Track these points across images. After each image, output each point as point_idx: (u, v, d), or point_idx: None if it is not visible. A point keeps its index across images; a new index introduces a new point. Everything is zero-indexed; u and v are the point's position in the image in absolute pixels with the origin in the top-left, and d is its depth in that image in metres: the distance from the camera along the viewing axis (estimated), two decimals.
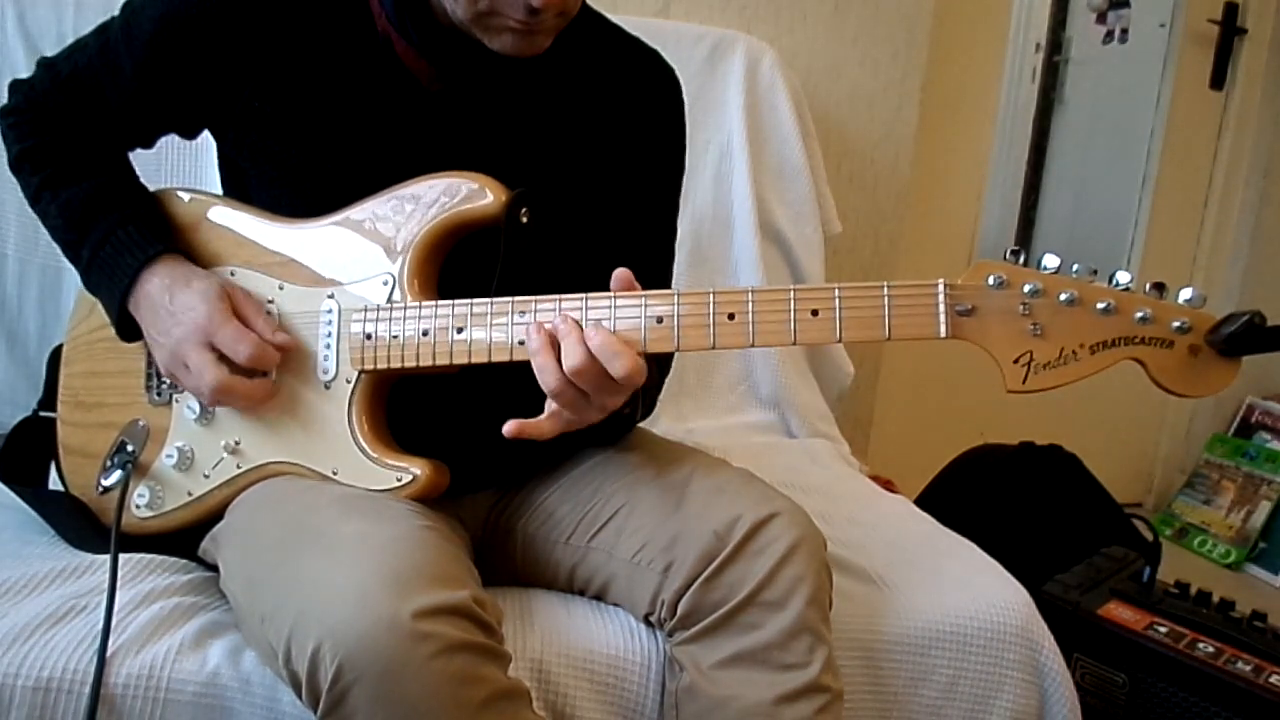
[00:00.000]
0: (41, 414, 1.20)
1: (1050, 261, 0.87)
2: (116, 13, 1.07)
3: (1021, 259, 0.88)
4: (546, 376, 0.90)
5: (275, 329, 1.00)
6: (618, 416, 0.97)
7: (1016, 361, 0.87)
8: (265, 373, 1.00)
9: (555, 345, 0.90)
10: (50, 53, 1.12)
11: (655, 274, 1.14)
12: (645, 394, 1.02)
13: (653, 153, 1.14)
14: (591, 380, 0.89)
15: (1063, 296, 0.86)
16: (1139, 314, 0.85)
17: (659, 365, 1.04)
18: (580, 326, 0.90)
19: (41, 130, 1.08)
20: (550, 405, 0.92)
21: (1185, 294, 0.86)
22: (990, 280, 0.87)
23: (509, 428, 0.92)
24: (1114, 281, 0.87)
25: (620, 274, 0.92)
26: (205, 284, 1.00)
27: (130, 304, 1.02)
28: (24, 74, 1.13)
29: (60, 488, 1.16)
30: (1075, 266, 0.87)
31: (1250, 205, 2.85)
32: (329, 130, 1.03)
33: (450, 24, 0.98)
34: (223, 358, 0.98)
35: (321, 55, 1.02)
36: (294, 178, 1.04)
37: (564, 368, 0.89)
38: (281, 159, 1.04)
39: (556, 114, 1.07)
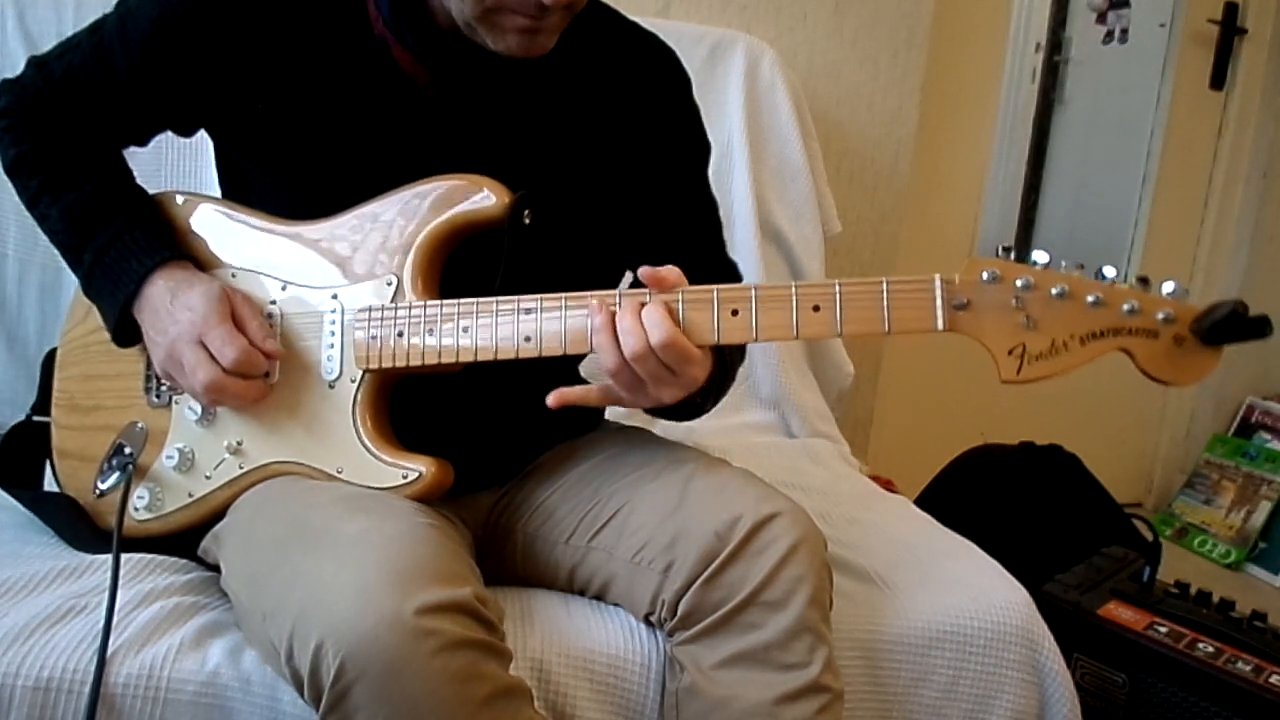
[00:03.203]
0: (35, 418, 1.19)
1: (1040, 257, 0.91)
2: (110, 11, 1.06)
3: (1013, 255, 0.91)
4: (605, 356, 0.92)
5: (267, 336, 1.00)
6: (689, 403, 0.98)
7: (1010, 353, 0.90)
8: (264, 374, 1.01)
9: (614, 325, 0.92)
10: None
11: (709, 248, 1.15)
12: (720, 381, 1.02)
13: (667, 134, 1.12)
14: (649, 366, 0.91)
15: (1054, 290, 0.89)
16: (1126, 306, 0.88)
17: (727, 356, 1.04)
18: (638, 310, 0.91)
19: (36, 133, 1.08)
20: (603, 380, 0.94)
21: (1168, 287, 0.89)
22: (984, 275, 0.90)
23: (551, 398, 0.94)
24: (1100, 276, 0.90)
25: (666, 271, 0.93)
26: (207, 286, 1.00)
27: (134, 308, 1.02)
28: None
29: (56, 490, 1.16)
30: (1063, 262, 0.91)
31: (1250, 205, 2.85)
32: (327, 133, 1.03)
33: (449, 27, 0.98)
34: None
35: (319, 58, 1.02)
36: (295, 180, 1.05)
37: (622, 350, 0.91)
38: (283, 161, 1.04)
39: (555, 113, 1.07)
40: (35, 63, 1.10)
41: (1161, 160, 2.76)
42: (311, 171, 1.04)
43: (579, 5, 0.97)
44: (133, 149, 1.14)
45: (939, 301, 0.90)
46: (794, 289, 0.92)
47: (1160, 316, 0.88)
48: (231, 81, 1.02)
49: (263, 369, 1.00)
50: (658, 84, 1.13)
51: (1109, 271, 0.89)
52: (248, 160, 1.07)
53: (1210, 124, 2.81)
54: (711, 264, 1.14)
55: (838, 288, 0.91)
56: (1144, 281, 0.89)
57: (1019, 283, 0.89)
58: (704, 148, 1.17)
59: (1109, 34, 2.67)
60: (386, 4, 1.00)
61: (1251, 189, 2.84)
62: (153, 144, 1.15)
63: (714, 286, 0.93)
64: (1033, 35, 2.56)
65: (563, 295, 0.95)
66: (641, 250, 1.03)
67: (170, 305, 1.00)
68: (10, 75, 1.11)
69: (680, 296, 0.93)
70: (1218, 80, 2.76)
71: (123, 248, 1.02)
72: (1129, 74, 2.71)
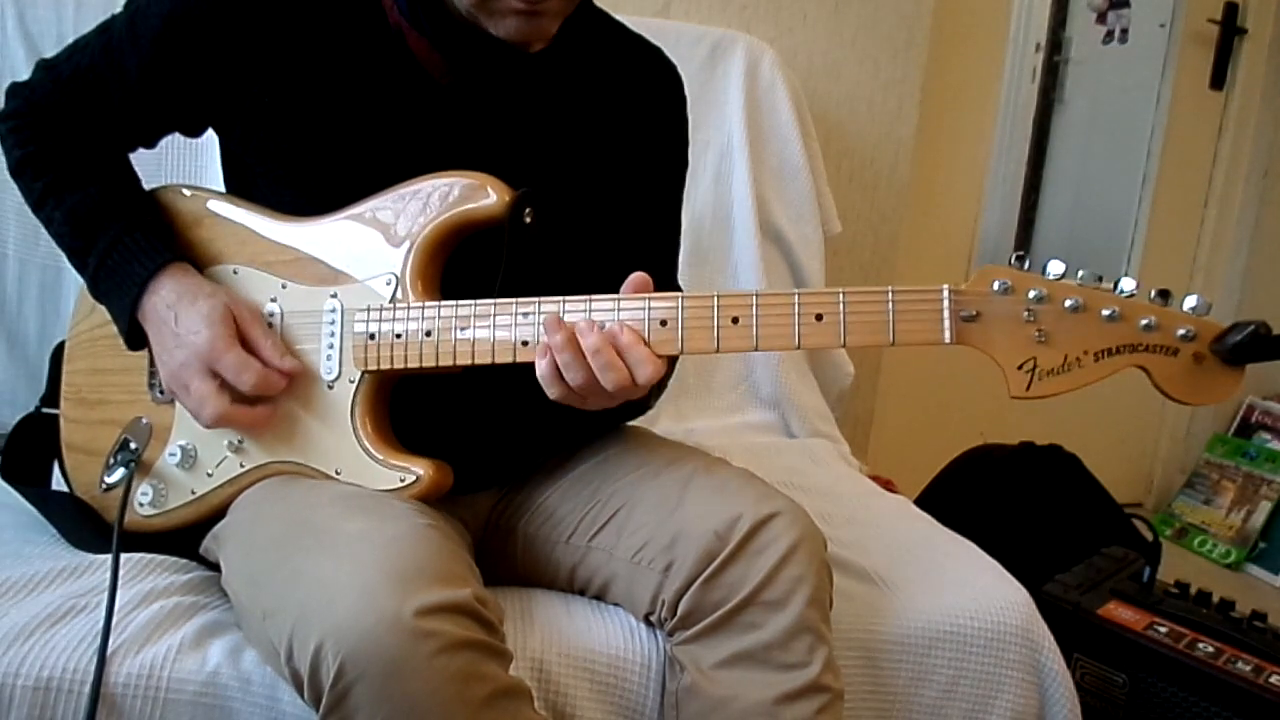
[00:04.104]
0: (44, 410, 1.20)
1: (1055, 268, 0.87)
2: (118, 10, 1.06)
3: (1026, 264, 0.87)
4: (571, 373, 0.91)
5: (283, 353, 0.99)
6: (635, 403, 0.98)
7: (1021, 368, 0.86)
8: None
9: (575, 343, 0.91)
10: (51, 53, 1.11)
11: (662, 269, 1.15)
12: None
13: (656, 149, 1.14)
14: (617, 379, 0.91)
15: (1068, 303, 0.85)
16: (1144, 321, 0.85)
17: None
18: (601, 329, 0.91)
19: (42, 134, 1.07)
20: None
21: (1190, 301, 0.85)
22: (995, 286, 0.87)
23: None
24: (1119, 289, 0.86)
25: (637, 278, 0.93)
26: (210, 304, 0.99)
27: (138, 314, 1.02)
28: (24, 75, 1.11)
29: (64, 487, 1.16)
30: (1080, 273, 0.87)
31: (1250, 205, 2.85)
32: (341, 126, 1.02)
33: (460, 16, 0.98)
34: (225, 384, 0.97)
35: (333, 50, 1.02)
36: (302, 175, 1.04)
37: (593, 368, 0.90)
38: (290, 156, 1.04)
39: (564, 111, 1.08)
40: (43, 65, 1.09)
41: (1161, 160, 2.76)
42: (322, 166, 1.03)
43: None
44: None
45: (947, 314, 0.87)
46: (796, 297, 0.90)
47: (1180, 333, 0.85)
48: (243, 77, 1.02)
49: (280, 389, 0.99)
50: (658, 99, 1.14)
51: (1127, 284, 0.86)
52: (252, 156, 1.06)
53: (1210, 124, 2.81)
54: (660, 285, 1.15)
55: (841, 297, 0.89)
56: (1164, 295, 0.85)
57: (1032, 294, 0.86)
58: (683, 165, 1.18)
59: (1109, 34, 2.67)
60: None
61: (1251, 189, 2.84)
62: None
63: (714, 292, 0.91)
64: (1033, 35, 2.56)
65: (561, 299, 0.94)
66: (601, 258, 1.03)
67: (175, 327, 0.99)
68: (11, 77, 1.11)
69: (680, 303, 0.92)
70: (1218, 80, 2.76)
71: (124, 251, 1.02)
72: (1129, 74, 2.71)
